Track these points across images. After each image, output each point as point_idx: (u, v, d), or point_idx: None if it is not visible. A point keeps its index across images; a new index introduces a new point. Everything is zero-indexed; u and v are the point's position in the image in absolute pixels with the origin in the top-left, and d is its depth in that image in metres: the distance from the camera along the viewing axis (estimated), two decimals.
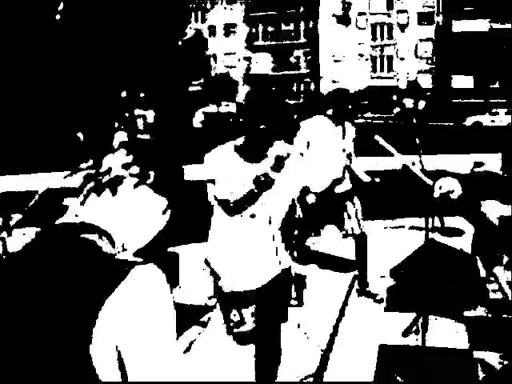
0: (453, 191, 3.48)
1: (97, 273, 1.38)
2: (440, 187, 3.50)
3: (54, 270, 1.40)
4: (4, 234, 4.12)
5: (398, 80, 44.50)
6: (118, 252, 1.47)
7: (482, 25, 41.86)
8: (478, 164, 3.89)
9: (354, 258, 5.32)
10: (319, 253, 5.55)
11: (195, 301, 4.87)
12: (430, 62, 44.06)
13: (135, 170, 1.50)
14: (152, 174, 1.53)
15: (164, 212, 1.58)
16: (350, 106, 5.15)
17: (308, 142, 5.11)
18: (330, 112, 5.15)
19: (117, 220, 1.50)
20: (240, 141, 3.12)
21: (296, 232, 5.26)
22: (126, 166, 1.50)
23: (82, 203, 1.48)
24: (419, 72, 44.09)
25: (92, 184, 1.47)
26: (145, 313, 1.40)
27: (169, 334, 1.45)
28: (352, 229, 5.17)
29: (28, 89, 17.30)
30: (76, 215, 1.50)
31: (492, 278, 4.60)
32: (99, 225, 1.46)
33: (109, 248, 1.46)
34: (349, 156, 5.27)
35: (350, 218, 5.18)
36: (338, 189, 5.21)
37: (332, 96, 5.17)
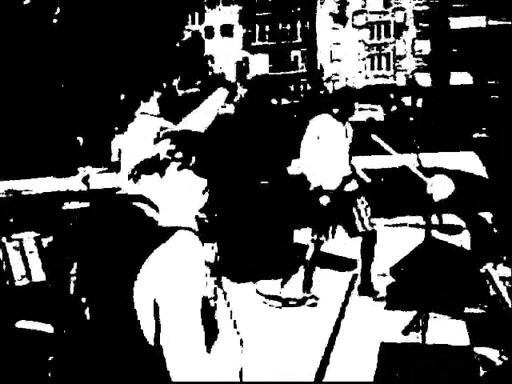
0: (445, 189, 3.50)
1: (143, 234, 1.67)
2: (432, 184, 3.52)
3: (110, 231, 1.71)
4: (4, 239, 4.13)
5: (395, 78, 44.52)
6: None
7: (478, 21, 41.87)
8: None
9: (360, 256, 5.30)
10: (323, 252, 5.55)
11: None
12: (427, 59, 44.08)
13: (179, 155, 1.79)
14: (193, 158, 1.81)
15: (203, 192, 1.85)
16: (354, 105, 5.19)
17: (317, 140, 5.11)
18: (336, 110, 5.17)
19: (164, 196, 1.79)
20: None
21: (311, 233, 5.25)
22: (170, 153, 1.79)
23: (135, 182, 1.78)
24: (417, 70, 44.12)
25: (143, 168, 1.80)
26: (181, 272, 1.63)
27: (199, 294, 1.67)
28: (362, 227, 5.16)
29: (27, 93, 17.30)
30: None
31: (491, 274, 4.61)
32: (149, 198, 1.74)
33: (154, 214, 1.78)
34: (350, 154, 5.29)
35: (359, 216, 5.17)
36: (348, 187, 5.21)
37: (339, 94, 5.20)
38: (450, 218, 7.61)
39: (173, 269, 1.64)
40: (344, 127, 5.22)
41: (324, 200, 5.08)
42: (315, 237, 5.25)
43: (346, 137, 5.24)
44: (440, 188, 3.51)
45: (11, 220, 4.38)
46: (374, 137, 4.98)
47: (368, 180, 5.21)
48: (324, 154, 5.11)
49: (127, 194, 1.90)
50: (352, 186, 5.22)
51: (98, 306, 1.79)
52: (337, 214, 5.21)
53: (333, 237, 5.28)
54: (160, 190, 1.81)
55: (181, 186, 1.82)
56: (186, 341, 1.61)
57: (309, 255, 5.28)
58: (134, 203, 1.88)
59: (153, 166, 1.81)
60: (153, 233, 1.72)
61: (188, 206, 1.84)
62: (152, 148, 1.83)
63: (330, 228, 5.26)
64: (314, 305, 5.23)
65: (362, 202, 5.22)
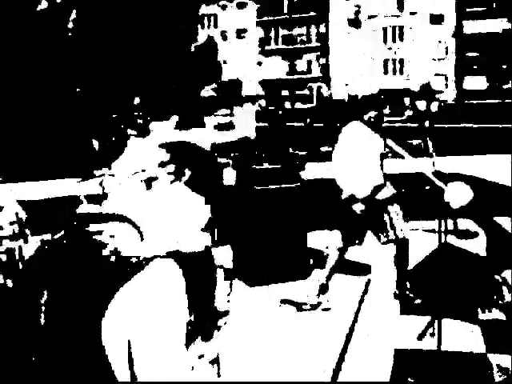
0: (463, 196, 3.48)
1: (111, 268, 1.45)
2: (451, 192, 3.50)
3: (73, 265, 1.48)
4: (21, 242, 4.15)
5: (410, 82, 44.35)
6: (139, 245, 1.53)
7: (495, 25, 41.61)
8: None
9: (394, 263, 5.27)
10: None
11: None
12: (442, 63, 43.86)
13: (171, 168, 1.56)
14: (188, 172, 1.58)
15: (200, 212, 1.63)
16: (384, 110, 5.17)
17: (349, 147, 5.09)
18: (366, 117, 5.15)
19: (148, 214, 1.55)
20: None
21: (340, 240, 5.23)
22: (162, 165, 1.56)
23: (114, 197, 1.56)
24: (432, 74, 43.91)
25: (127, 180, 1.54)
26: (157, 307, 1.42)
27: (179, 330, 1.47)
28: (394, 234, 5.13)
29: (43, 96, 17.43)
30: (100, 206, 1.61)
31: (507, 280, 4.57)
32: (129, 216, 1.52)
33: (131, 249, 1.52)
34: (383, 161, 5.25)
35: (391, 224, 5.14)
36: (380, 195, 5.16)
37: (373, 100, 5.18)
38: (464, 223, 7.57)
39: (148, 306, 1.42)
40: (376, 134, 5.19)
41: (358, 207, 5.05)
42: (342, 244, 5.23)
43: (378, 143, 5.21)
44: (458, 196, 3.49)
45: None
46: (389, 141, 4.97)
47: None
48: (356, 162, 5.07)
49: (108, 213, 1.66)
50: (384, 193, 5.17)
51: (65, 339, 1.58)
52: (367, 222, 5.17)
53: (361, 244, 5.26)
54: (146, 207, 1.57)
55: (171, 203, 1.58)
56: None
57: (332, 261, 5.26)
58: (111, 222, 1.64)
59: (138, 179, 1.56)
60: (125, 263, 1.52)
61: (177, 225, 1.65)
62: (140, 159, 1.63)
63: (359, 235, 5.24)
64: (327, 309, 5.21)
65: (395, 210, 5.18)
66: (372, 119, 5.15)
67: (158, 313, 1.42)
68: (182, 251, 1.57)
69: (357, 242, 5.23)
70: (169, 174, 1.57)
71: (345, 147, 5.12)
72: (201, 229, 1.66)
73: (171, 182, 1.57)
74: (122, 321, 1.40)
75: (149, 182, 1.55)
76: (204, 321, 1.75)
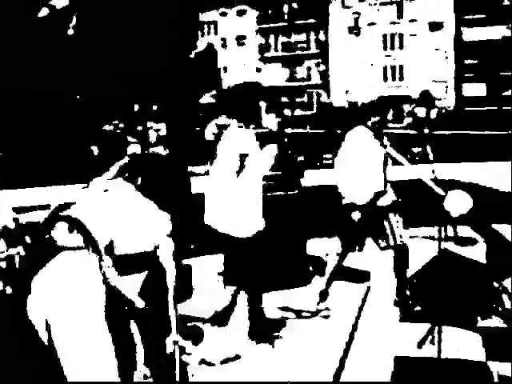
0: (463, 204, 3.47)
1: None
2: (451, 200, 3.50)
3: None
4: (20, 249, 4.15)
5: (409, 89, 44.41)
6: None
7: (494, 32, 41.69)
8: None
9: (394, 270, 5.25)
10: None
11: (205, 314, 4.88)
12: (441, 70, 43.92)
13: (126, 174, 1.62)
14: (139, 179, 1.64)
15: (150, 217, 1.69)
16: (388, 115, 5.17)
17: (352, 153, 5.07)
18: (370, 123, 5.14)
19: (104, 219, 1.68)
20: None
21: (340, 246, 5.22)
22: (119, 171, 1.62)
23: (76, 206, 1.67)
24: (431, 81, 43.98)
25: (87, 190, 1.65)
26: (69, 292, 1.56)
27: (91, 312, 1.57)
28: (394, 241, 5.12)
29: (43, 102, 17.45)
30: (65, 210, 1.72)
31: (507, 288, 4.57)
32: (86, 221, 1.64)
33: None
34: (385, 167, 5.23)
35: (391, 231, 5.13)
36: (381, 202, 5.15)
37: (376, 105, 5.16)
38: (464, 230, 7.56)
39: (65, 289, 1.53)
40: (379, 141, 5.18)
41: (355, 216, 5.03)
42: (341, 250, 5.21)
43: (385, 148, 5.20)
44: (458, 204, 3.48)
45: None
46: (389, 148, 4.97)
47: (442, 193, 5.13)
48: (359, 168, 5.06)
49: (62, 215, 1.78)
50: (385, 200, 5.16)
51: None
52: (367, 229, 5.16)
53: (360, 250, 5.25)
54: (101, 211, 1.69)
55: (122, 208, 1.71)
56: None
57: (331, 268, 5.25)
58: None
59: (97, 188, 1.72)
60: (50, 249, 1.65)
61: (134, 233, 1.73)
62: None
63: (359, 242, 5.23)
64: (327, 317, 5.20)
65: (395, 217, 5.17)
66: (375, 125, 5.13)
67: (70, 297, 1.55)
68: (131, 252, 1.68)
69: (357, 248, 5.22)
70: (124, 180, 1.66)
71: (348, 152, 5.10)
72: (166, 235, 1.75)
73: (125, 189, 1.67)
74: (40, 302, 1.55)
75: (105, 190, 1.66)
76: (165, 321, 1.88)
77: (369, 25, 46.07)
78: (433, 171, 4.65)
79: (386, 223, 5.11)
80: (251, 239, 4.43)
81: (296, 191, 6.03)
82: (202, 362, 4.20)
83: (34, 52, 18.16)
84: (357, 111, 5.19)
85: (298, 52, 48.90)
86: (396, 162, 5.35)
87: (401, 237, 5.12)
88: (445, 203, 3.52)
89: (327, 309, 5.23)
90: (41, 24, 19.02)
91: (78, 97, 17.25)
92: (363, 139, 5.10)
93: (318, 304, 5.27)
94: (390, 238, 5.11)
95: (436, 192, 3.59)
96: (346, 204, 5.09)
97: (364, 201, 5.04)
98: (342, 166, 5.11)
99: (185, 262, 5.74)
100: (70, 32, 19.41)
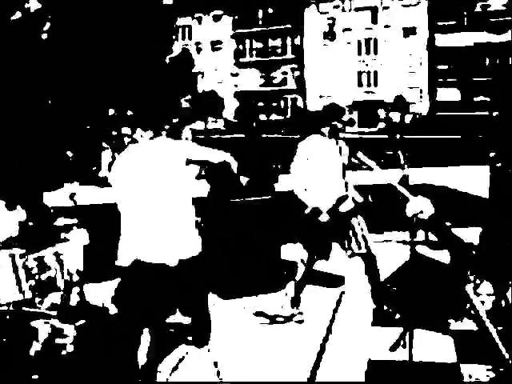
0: (423, 212, 3.51)
1: None
2: (411, 207, 3.54)
3: None
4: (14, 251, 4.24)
5: (383, 94, 44.77)
6: None
7: (467, 38, 42.25)
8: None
9: (365, 276, 5.26)
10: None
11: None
12: (415, 75, 44.36)
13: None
14: None
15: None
16: (343, 122, 5.17)
17: (308, 161, 5.07)
18: (325, 130, 5.15)
19: None
20: None
21: (306, 254, 5.20)
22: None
23: None
24: (405, 86, 44.38)
25: None
26: None
27: None
28: (359, 247, 5.12)
29: (15, 108, 17.27)
30: None
31: (477, 291, 4.61)
32: None
33: None
34: (344, 173, 5.24)
35: (355, 236, 5.13)
36: (343, 208, 5.15)
37: (327, 112, 5.17)
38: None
39: None
40: (337, 146, 5.20)
41: (323, 218, 5.02)
42: (309, 256, 5.21)
43: (339, 156, 5.21)
44: (418, 210, 3.52)
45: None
46: (359, 154, 5.00)
47: (360, 199, 5.19)
48: (316, 175, 5.07)
49: None
50: (347, 206, 5.17)
51: None
52: (332, 234, 5.15)
53: (327, 258, 5.21)
54: None
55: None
56: None
57: (301, 273, 5.25)
58: None
59: None
60: None
61: None
62: None
63: (325, 248, 5.22)
64: (301, 321, 5.20)
65: (359, 223, 5.18)
66: (333, 130, 5.15)
67: None
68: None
69: (323, 255, 5.18)
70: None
71: (302, 161, 5.11)
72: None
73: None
74: None
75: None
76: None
77: (344, 30, 46.38)
78: (404, 175, 4.69)
79: (350, 231, 5.13)
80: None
81: (270, 196, 6.04)
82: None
83: (6, 56, 17.97)
84: (313, 118, 5.23)
85: (274, 57, 49.07)
86: (366, 167, 5.37)
87: (365, 242, 5.14)
88: (406, 209, 3.57)
89: (301, 313, 5.23)
90: (14, 28, 18.83)
91: (49, 102, 17.10)
92: (315, 147, 5.11)
93: (291, 309, 5.27)
94: (354, 244, 5.12)
95: (406, 196, 3.62)
96: (309, 211, 5.07)
97: (327, 206, 5.05)
98: (298, 175, 5.12)
99: None
100: (44, 36, 19.24)
